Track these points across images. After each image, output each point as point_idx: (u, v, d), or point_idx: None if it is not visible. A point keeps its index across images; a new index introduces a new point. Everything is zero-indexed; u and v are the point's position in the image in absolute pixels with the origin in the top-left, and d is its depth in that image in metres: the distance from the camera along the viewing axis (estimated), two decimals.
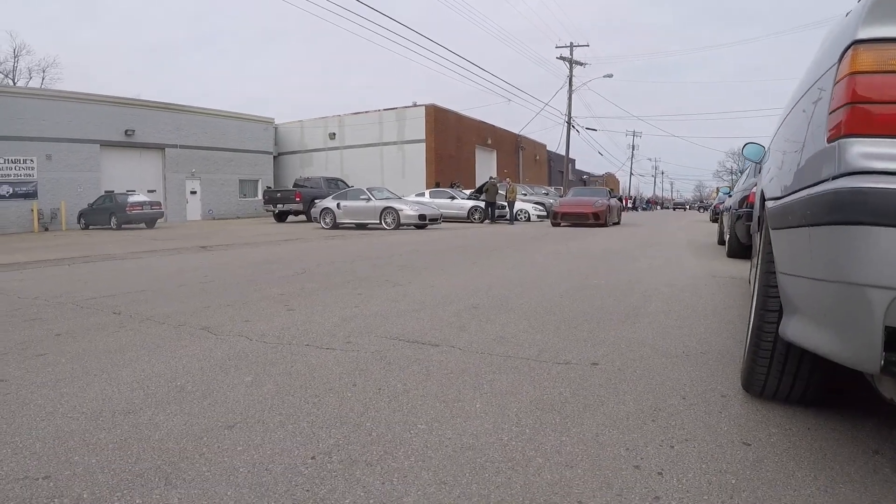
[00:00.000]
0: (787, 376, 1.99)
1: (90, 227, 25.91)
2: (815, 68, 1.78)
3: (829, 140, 1.47)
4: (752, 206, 7.22)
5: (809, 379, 1.97)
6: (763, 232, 2.24)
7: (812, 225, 1.48)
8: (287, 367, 2.59)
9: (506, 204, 22.72)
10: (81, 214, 26.78)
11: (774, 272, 1.88)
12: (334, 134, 39.33)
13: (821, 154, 1.52)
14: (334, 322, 3.53)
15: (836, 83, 1.49)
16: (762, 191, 2.60)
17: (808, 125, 1.71)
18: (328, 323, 3.51)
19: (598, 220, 17.81)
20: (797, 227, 1.60)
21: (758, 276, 2.18)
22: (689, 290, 4.89)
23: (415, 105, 38.18)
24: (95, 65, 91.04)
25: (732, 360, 2.73)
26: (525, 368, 2.59)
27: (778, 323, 1.87)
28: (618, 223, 20.59)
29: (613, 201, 20.46)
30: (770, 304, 1.94)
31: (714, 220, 24.84)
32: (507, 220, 22.67)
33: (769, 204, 2.11)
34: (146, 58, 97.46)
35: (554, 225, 18.42)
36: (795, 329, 1.67)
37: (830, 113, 1.49)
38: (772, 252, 1.92)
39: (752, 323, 2.13)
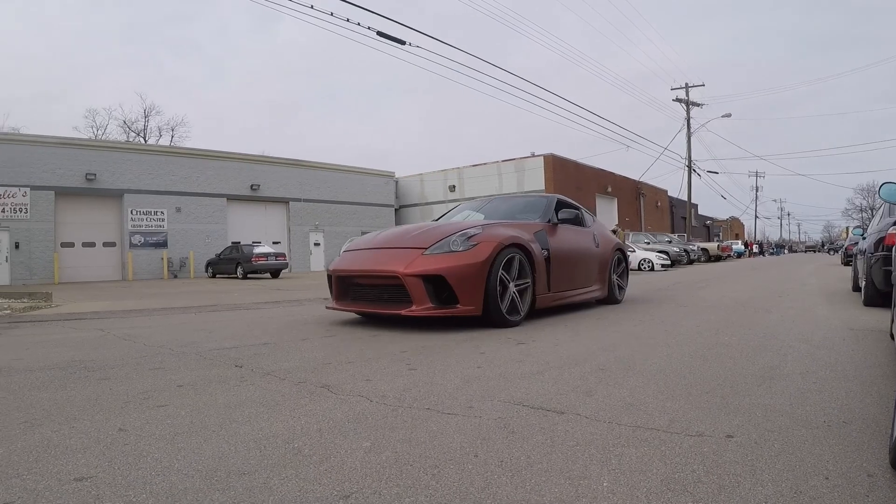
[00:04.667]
0: None
1: (217, 276, 27.71)
2: None
3: None
4: (891, 249, 6.69)
5: None
6: None
7: None
8: (407, 434, 2.56)
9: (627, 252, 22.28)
10: (209, 264, 28.77)
11: None
12: (454, 186, 40.23)
13: None
14: (456, 384, 3.49)
15: None
16: None
17: None
18: (450, 385, 3.48)
19: (417, 293, 5.81)
20: None
21: None
22: (825, 346, 4.65)
23: (533, 155, 38.72)
24: (221, 122, 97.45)
25: (878, 430, 2.49)
26: (655, 441, 2.42)
27: None
28: (612, 299, 9.07)
29: (598, 237, 8.86)
30: None
31: (846, 264, 23.13)
32: None
33: None
34: (269, 114, 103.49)
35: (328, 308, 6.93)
36: None
37: None
38: None
39: None
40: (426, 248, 6.06)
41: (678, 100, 44.00)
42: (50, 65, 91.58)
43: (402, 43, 18.87)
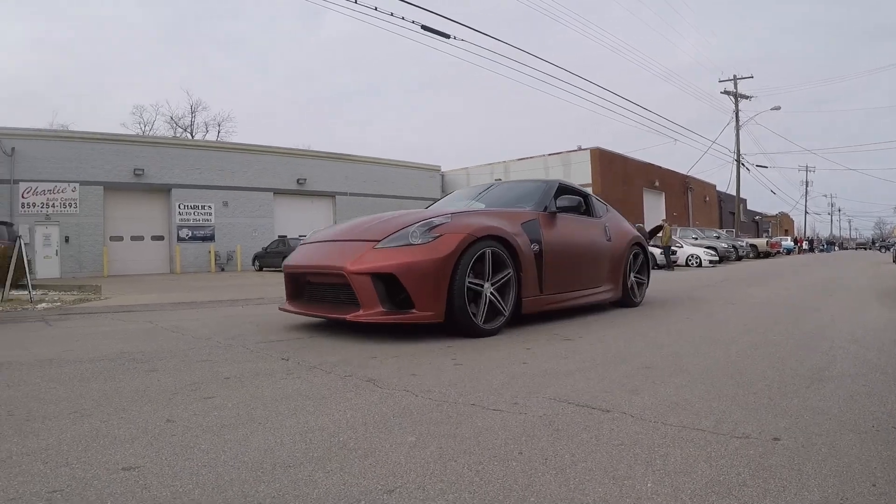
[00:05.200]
0: None
1: (264, 269, 28.07)
2: None
3: None
4: None
5: None
6: None
7: None
8: (451, 429, 2.56)
9: (675, 248, 22.04)
10: (256, 257, 29.27)
11: None
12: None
13: None
14: (501, 380, 3.49)
15: None
16: None
17: None
18: (495, 381, 3.47)
19: (366, 292, 4.93)
20: None
21: None
22: (875, 347, 4.53)
23: (580, 149, 38.39)
24: (266, 117, 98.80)
25: None
26: (701, 442, 2.38)
27: None
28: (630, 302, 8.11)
29: (608, 229, 7.81)
30: None
31: None
32: (664, 265, 21.97)
33: None
34: (314, 108, 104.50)
35: (280, 309, 6.13)
36: None
37: None
38: None
39: None
40: (379, 241, 5.15)
41: (726, 92, 43.24)
42: (97, 63, 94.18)
43: (447, 37, 18.93)
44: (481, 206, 6.95)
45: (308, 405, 2.95)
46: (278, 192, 33.41)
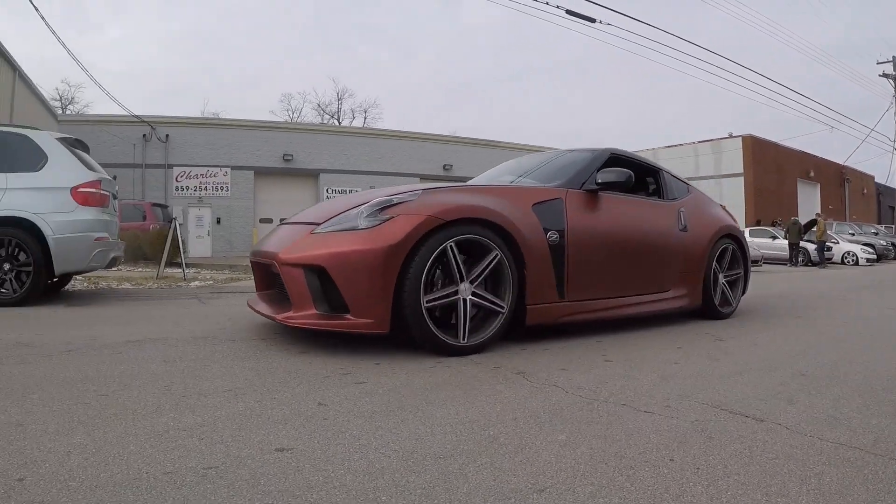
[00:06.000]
0: None
1: None
2: None
3: None
4: None
5: None
6: None
7: None
8: (602, 429, 2.50)
9: (829, 245, 20.88)
10: None
11: None
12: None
13: None
14: (652, 380, 3.39)
15: None
16: None
17: None
18: (646, 380, 3.38)
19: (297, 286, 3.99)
20: None
21: None
22: None
23: (731, 136, 36.82)
24: (410, 103, 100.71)
25: None
26: (858, 462, 2.19)
27: None
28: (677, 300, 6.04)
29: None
30: None
31: None
32: (818, 263, 20.79)
33: None
34: (457, 94, 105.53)
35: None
36: None
37: None
38: None
39: None
40: (319, 224, 4.17)
41: (885, 75, 40.13)
42: (246, 53, 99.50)
43: (592, 21, 18.69)
44: (523, 181, 5.65)
45: (458, 395, 2.97)
46: (425, 178, 34.04)
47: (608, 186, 5.09)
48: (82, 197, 6.96)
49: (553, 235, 4.56)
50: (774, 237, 23.63)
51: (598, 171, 5.19)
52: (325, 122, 59.81)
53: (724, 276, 6.34)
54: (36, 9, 16.69)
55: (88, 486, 1.81)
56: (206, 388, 3.03)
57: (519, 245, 4.28)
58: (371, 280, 3.75)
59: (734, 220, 6.83)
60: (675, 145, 39.27)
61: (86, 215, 6.77)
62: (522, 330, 4.47)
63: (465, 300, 4.00)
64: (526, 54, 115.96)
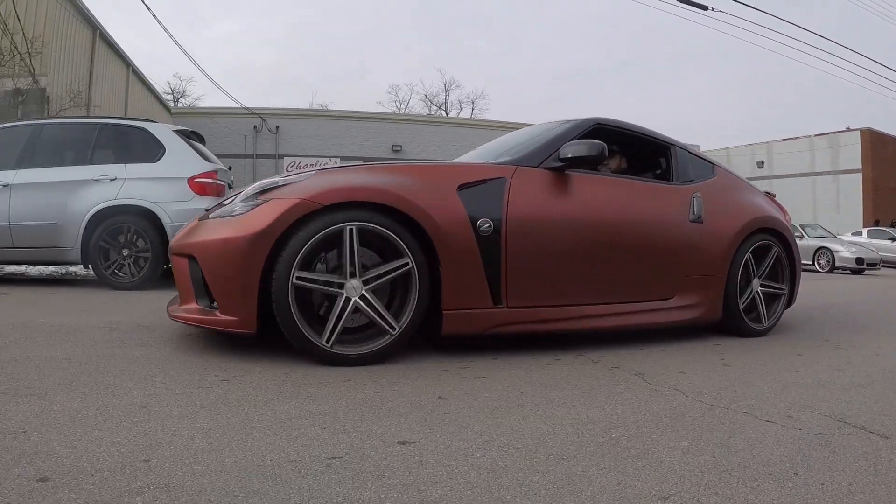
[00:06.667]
0: None
1: None
2: None
3: None
4: None
5: None
6: None
7: None
8: (724, 438, 2.46)
9: None
10: None
11: None
12: (762, 162, 37.70)
13: None
14: (773, 388, 3.29)
15: None
16: None
17: None
18: (767, 388, 3.29)
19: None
20: None
21: None
22: None
23: (848, 129, 34.87)
24: (518, 94, 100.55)
25: None
26: None
27: None
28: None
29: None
30: None
31: None
32: None
33: None
34: (562, 84, 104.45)
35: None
36: None
37: None
38: None
39: None
40: (210, 211, 3.91)
41: None
42: (353, 45, 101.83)
43: (704, 8, 18.35)
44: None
45: (577, 395, 2.99)
46: None
47: (575, 163, 4.09)
48: (199, 186, 7.37)
49: (485, 225, 3.69)
50: (894, 238, 22.36)
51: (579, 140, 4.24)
52: (433, 112, 60.39)
53: (761, 282, 5.10)
54: (148, 7, 17.56)
55: (214, 469, 1.89)
56: (326, 377, 3.14)
57: (430, 236, 3.53)
58: (233, 272, 3.35)
59: (780, 212, 5.55)
60: (790, 138, 37.67)
61: (202, 204, 7.12)
62: (438, 336, 3.74)
63: (350, 299, 3.41)
64: (634, 45, 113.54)
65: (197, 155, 7.63)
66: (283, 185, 3.53)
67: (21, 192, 7.21)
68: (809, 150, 35.97)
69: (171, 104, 38.52)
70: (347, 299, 3.39)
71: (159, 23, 18.92)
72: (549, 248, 3.95)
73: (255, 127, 29.91)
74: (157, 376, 3.00)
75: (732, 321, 4.85)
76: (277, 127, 30.17)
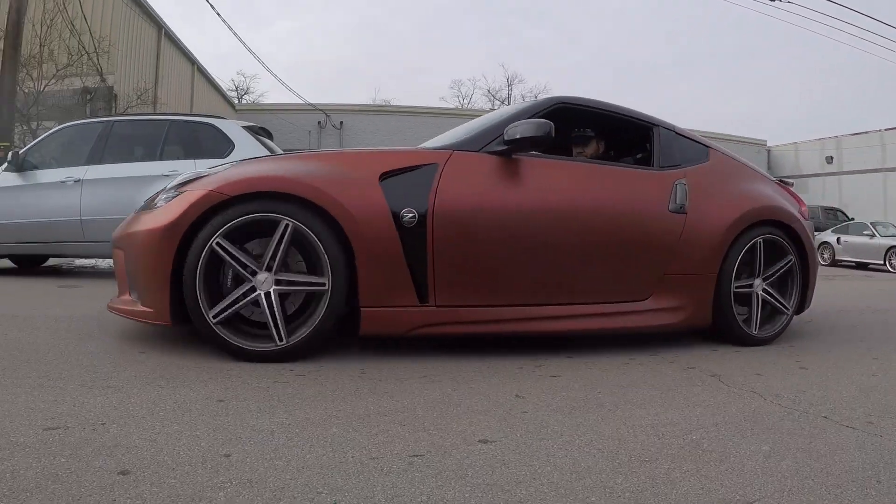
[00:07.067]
0: None
1: None
2: None
3: None
4: None
5: None
6: None
7: None
8: (805, 443, 2.44)
9: None
10: None
11: None
12: (831, 157, 36.49)
13: None
14: (852, 393, 3.23)
15: None
16: None
17: None
18: (846, 392, 3.23)
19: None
20: None
21: None
22: None
23: None
24: (580, 88, 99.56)
25: None
26: None
27: None
28: None
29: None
30: None
31: None
32: None
33: None
34: (624, 76, 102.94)
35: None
36: None
37: None
38: None
39: None
40: (145, 202, 3.82)
41: None
42: (415, 41, 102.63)
43: None
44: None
45: (655, 396, 3.00)
46: None
47: (522, 145, 3.70)
48: None
49: (408, 216, 3.43)
50: None
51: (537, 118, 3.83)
52: (496, 107, 60.15)
53: (763, 283, 4.45)
54: (212, 7, 17.94)
55: (295, 465, 1.92)
56: (401, 373, 3.21)
57: (343, 227, 3.34)
58: (146, 263, 3.37)
59: (794, 203, 4.84)
60: (861, 133, 36.40)
61: None
62: (355, 334, 3.53)
63: (253, 288, 3.31)
64: (695, 37, 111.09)
65: (265, 150, 7.75)
66: (201, 177, 3.47)
67: (92, 187, 7.40)
68: (881, 145, 34.70)
69: (236, 101, 39.25)
70: (252, 288, 3.31)
71: (224, 21, 19.34)
72: (486, 242, 3.65)
73: (319, 123, 30.47)
74: (232, 370, 3.08)
75: (726, 326, 4.30)
76: (341, 122, 30.78)
